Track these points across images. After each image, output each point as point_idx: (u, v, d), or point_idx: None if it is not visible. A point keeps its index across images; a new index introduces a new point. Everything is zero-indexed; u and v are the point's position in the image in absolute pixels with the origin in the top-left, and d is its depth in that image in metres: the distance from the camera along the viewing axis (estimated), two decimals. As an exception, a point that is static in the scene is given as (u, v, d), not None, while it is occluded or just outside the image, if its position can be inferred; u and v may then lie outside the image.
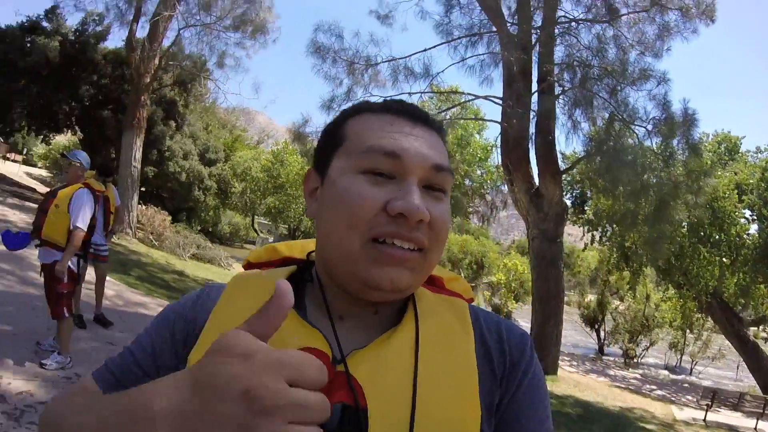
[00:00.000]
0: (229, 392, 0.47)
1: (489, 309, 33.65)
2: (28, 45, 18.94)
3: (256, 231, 37.94)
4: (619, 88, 12.26)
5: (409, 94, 13.54)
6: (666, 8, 12.56)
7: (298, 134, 13.99)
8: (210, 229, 41.35)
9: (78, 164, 5.09)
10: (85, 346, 5.68)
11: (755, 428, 11.29)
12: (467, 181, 23.56)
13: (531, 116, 13.01)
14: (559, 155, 13.41)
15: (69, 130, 22.55)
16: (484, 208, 23.73)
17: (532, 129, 13.03)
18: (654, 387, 17.70)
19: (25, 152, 52.73)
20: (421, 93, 14.03)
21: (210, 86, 21.35)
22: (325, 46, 13.52)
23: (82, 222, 4.75)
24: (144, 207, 18.83)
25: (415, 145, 0.72)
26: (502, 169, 14.50)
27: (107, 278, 6.78)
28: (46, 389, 4.38)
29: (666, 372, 29.24)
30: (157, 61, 17.41)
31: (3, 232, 4.98)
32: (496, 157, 21.79)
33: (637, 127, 12.49)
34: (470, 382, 0.72)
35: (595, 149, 12.41)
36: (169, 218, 31.36)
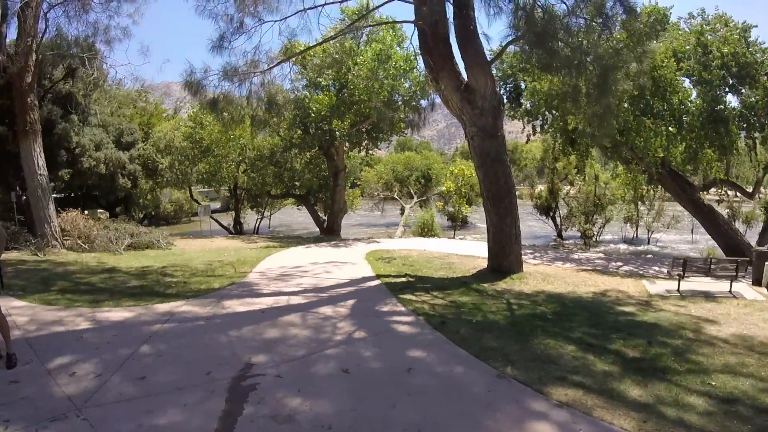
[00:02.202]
0: None
1: (444, 218, 33.94)
2: None
3: (196, 201, 36.72)
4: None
5: (304, 10, 12.62)
6: None
7: (190, 84, 12.56)
8: (153, 213, 40.07)
9: None
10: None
11: (730, 290, 11.14)
12: (396, 96, 22.49)
13: (447, 8, 11.89)
14: (485, 46, 12.32)
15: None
16: (414, 116, 22.85)
17: (451, 20, 11.86)
18: (620, 263, 17.80)
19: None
20: (321, 6, 12.97)
21: (103, 66, 19.77)
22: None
23: None
24: (64, 213, 17.51)
25: None
26: (426, 74, 13.49)
27: (18, 304, 5.93)
28: None
29: (625, 245, 30.41)
30: (34, 57, 15.82)
31: None
32: (421, 65, 20.96)
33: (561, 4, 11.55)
34: None
35: (524, 28, 11.31)
36: (106, 215, 30.19)
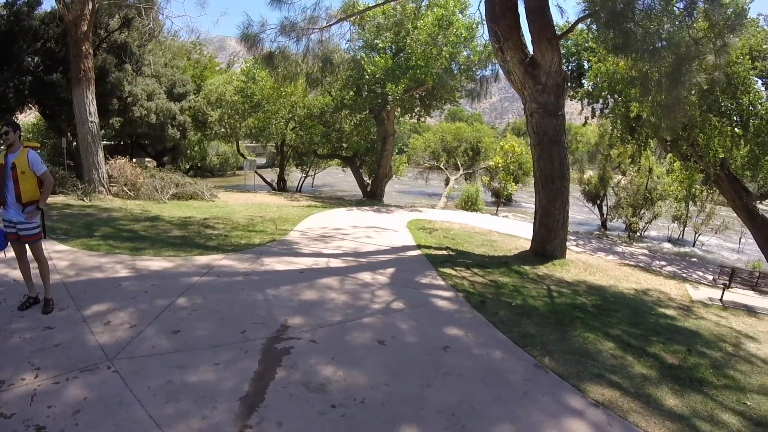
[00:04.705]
0: None
1: (488, 193, 33.57)
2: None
3: (242, 155, 37.19)
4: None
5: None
6: None
7: (247, 37, 12.40)
8: (199, 164, 40.78)
9: None
10: (18, 340, 4.88)
11: None
12: (453, 65, 22.19)
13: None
14: (555, 20, 11.71)
15: (25, 106, 21.02)
16: (474, 85, 22.37)
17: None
18: (663, 263, 17.20)
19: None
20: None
21: (159, 17, 19.87)
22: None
23: None
24: (112, 160, 17.91)
25: None
26: (490, 43, 12.96)
27: (61, 248, 5.97)
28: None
29: (669, 244, 29.40)
30: (90, 6, 15.99)
31: None
32: (482, 34, 20.51)
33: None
34: None
35: (601, 4, 10.69)
36: (153, 164, 30.71)
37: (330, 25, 13.15)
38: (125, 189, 16.94)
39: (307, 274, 8.00)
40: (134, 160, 24.99)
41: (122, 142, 30.34)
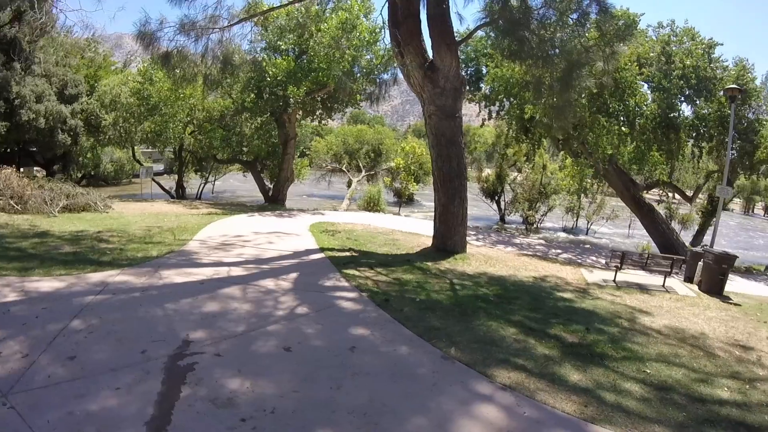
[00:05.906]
0: None
1: (390, 194, 34.15)
2: None
3: (138, 161, 35.38)
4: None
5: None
6: None
7: (143, 35, 11.84)
8: (92, 173, 38.43)
9: None
10: None
11: (663, 285, 11.55)
12: (355, 68, 22.35)
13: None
14: (456, 27, 12.19)
15: None
16: (373, 88, 22.59)
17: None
18: (559, 251, 18.30)
19: None
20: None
21: (52, 10, 18.46)
22: None
23: None
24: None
25: None
26: (392, 48, 13.23)
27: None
28: None
29: (564, 234, 31.54)
30: None
31: None
32: (385, 38, 20.83)
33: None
34: None
35: (499, 13, 11.25)
36: (42, 174, 28.66)
37: (231, 25, 12.91)
38: (11, 202, 15.69)
39: (208, 285, 7.83)
40: (22, 169, 23.14)
41: (8, 150, 28.11)
